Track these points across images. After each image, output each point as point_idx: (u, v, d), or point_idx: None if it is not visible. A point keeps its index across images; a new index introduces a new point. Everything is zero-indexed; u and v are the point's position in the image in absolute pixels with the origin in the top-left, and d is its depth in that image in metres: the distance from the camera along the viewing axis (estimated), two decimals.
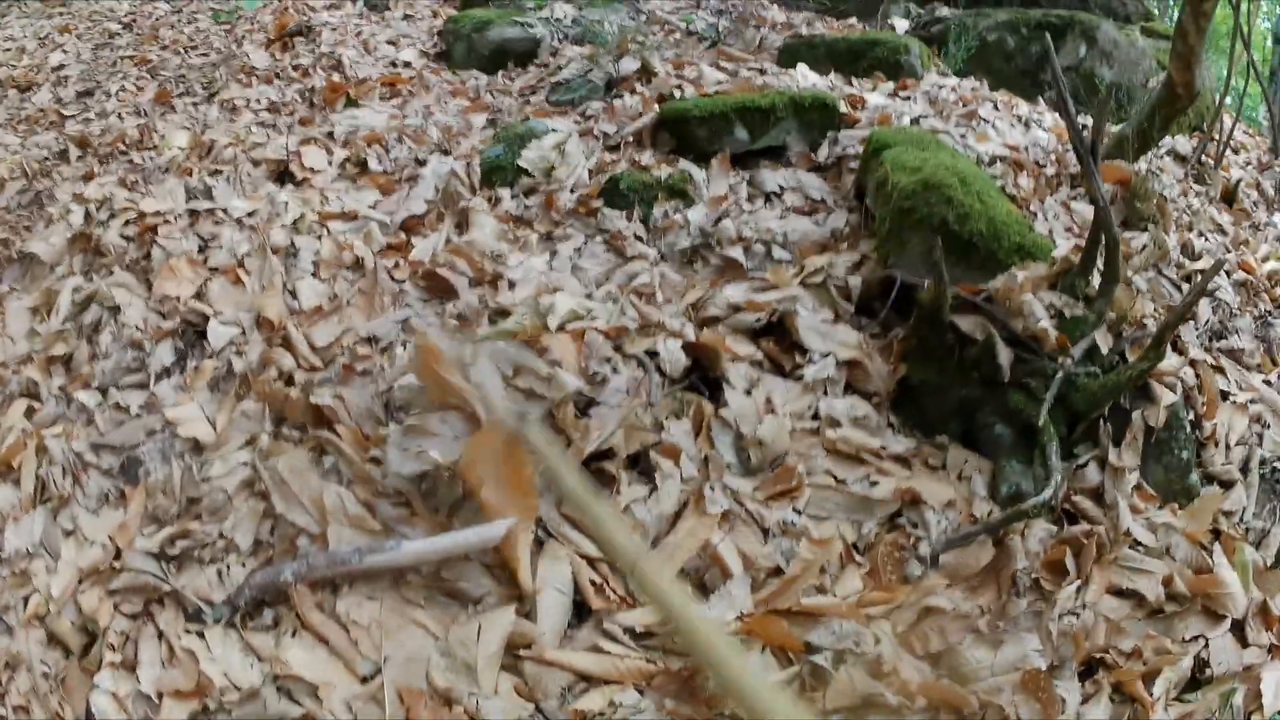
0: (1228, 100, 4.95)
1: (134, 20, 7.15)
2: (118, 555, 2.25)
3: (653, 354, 2.56)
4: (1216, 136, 4.80)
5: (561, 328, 2.60)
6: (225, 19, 6.83)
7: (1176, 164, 4.67)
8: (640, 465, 2.40)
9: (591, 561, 2.16)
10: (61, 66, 6.30)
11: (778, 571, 2.22)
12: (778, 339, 2.78)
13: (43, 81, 6.05)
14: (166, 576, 2.15)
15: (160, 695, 1.94)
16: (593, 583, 2.12)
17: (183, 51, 6.28)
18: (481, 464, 2.16)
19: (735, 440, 2.47)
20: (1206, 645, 2.26)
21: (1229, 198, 4.53)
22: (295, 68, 5.49)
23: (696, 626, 1.29)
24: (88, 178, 4.25)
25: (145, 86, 5.69)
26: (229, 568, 2.16)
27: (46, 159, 4.72)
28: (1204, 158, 4.75)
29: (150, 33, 6.75)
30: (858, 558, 2.30)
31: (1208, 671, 2.22)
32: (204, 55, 6.15)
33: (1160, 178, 3.95)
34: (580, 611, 2.11)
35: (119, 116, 5.21)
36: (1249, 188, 4.78)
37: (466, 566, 2.11)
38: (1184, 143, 4.97)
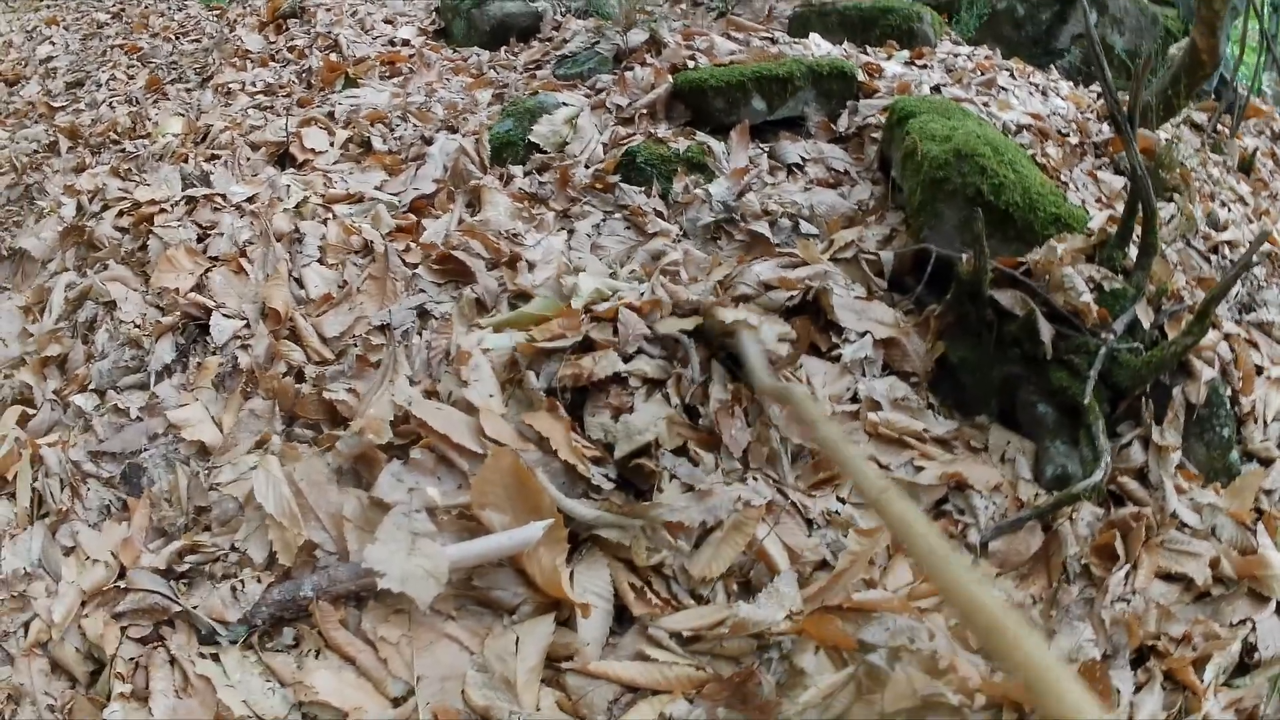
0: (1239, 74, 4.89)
1: (122, 9, 7.10)
2: (122, 574, 2.11)
3: (687, 333, 2.45)
4: (1239, 94, 4.72)
5: (587, 309, 2.48)
6: (216, 3, 6.75)
7: (1193, 133, 4.58)
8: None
9: (631, 565, 2.06)
10: (50, 58, 6.23)
11: (824, 565, 2.13)
12: (811, 317, 2.67)
13: (30, 74, 5.98)
14: (176, 596, 2.01)
15: None
16: (633, 586, 2.02)
17: (174, 38, 6.21)
18: (492, 487, 2.05)
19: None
20: (1254, 628, 2.20)
21: (1246, 167, 4.46)
22: (290, 49, 5.39)
23: (950, 569, 1.19)
24: (79, 169, 4.16)
25: (136, 75, 5.61)
26: (243, 583, 2.02)
27: (36, 152, 4.62)
28: (1219, 126, 4.66)
29: (140, 21, 6.69)
30: None
31: (1255, 655, 2.17)
32: (195, 41, 6.08)
33: (1180, 147, 3.85)
34: (621, 618, 2.01)
35: (110, 106, 5.13)
36: (1265, 156, 4.70)
37: (499, 573, 1.99)
38: (1197, 113, 4.88)
